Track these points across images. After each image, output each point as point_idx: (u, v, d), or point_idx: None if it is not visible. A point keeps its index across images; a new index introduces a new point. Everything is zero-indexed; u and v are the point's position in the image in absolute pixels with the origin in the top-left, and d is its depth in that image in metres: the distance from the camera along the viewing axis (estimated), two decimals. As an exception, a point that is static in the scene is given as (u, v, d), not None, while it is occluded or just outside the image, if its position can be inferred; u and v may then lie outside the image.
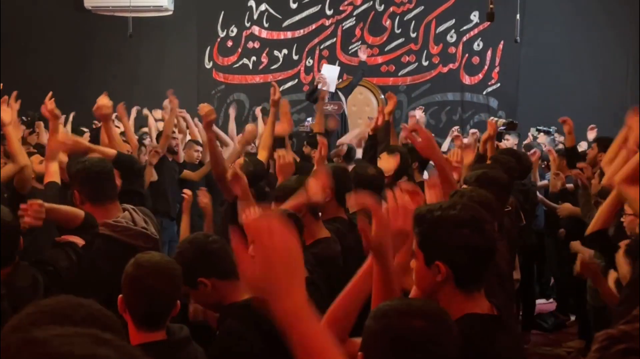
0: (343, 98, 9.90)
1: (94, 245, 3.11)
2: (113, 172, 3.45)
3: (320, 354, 1.27)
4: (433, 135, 11.60)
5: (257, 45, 12.55)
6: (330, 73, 9.69)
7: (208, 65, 12.73)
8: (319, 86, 9.20)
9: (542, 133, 9.72)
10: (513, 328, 2.34)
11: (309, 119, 10.76)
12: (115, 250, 3.15)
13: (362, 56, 10.20)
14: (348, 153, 6.96)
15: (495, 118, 8.10)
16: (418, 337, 1.76)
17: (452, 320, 1.86)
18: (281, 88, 12.39)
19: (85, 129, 8.78)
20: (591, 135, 9.08)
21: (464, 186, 3.82)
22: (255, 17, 12.52)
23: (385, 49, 12.12)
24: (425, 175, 6.86)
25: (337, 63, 12.02)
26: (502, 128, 7.12)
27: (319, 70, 11.99)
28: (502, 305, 2.24)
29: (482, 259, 2.12)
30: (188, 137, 7.99)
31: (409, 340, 1.76)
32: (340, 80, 11.64)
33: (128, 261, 2.49)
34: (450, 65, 11.92)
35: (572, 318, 7.18)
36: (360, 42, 12.13)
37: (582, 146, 9.10)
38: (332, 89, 9.68)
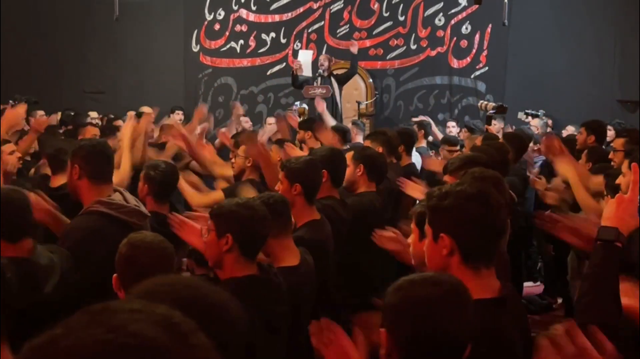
0: (336, 86, 9.87)
1: (89, 220, 3.24)
2: (114, 157, 3.64)
3: None
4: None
5: (244, 28, 12.48)
6: (304, 58, 9.87)
7: (195, 48, 12.65)
8: (297, 72, 9.60)
9: (529, 117, 9.75)
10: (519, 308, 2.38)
11: (297, 103, 10.72)
12: (111, 227, 3.23)
13: (354, 50, 10.15)
14: (343, 136, 7.02)
15: (485, 102, 8.10)
16: (432, 304, 1.77)
17: (464, 286, 1.85)
18: (269, 72, 12.37)
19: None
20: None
21: (445, 177, 3.87)
22: (242, 0, 12.44)
23: (374, 33, 12.07)
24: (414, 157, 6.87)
25: (325, 47, 11.98)
26: (491, 112, 7.14)
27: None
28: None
29: (487, 233, 2.13)
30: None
31: (425, 307, 1.77)
32: (333, 61, 11.59)
33: (123, 239, 2.61)
34: (439, 49, 11.89)
35: (559, 300, 7.22)
36: (348, 25, 12.10)
37: (569, 130, 9.12)
38: (309, 73, 9.79)
